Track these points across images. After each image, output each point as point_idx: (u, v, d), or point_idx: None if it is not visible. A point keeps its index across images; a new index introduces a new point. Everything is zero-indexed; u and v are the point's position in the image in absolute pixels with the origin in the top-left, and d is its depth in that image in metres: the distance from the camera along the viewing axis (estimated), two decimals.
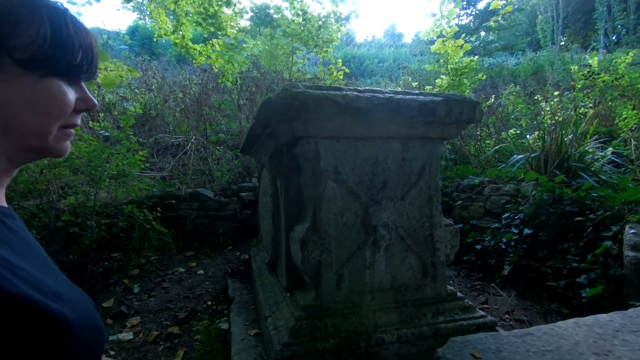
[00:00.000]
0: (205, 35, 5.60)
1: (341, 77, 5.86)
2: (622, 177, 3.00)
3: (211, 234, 3.65)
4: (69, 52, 0.49)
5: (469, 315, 1.55)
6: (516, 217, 2.74)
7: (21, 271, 0.41)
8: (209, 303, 2.53)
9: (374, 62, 16.34)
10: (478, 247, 2.91)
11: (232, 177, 4.32)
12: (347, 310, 1.46)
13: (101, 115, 4.83)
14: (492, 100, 5.98)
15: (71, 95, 0.51)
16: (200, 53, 5.42)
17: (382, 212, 1.51)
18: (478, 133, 5.09)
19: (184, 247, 3.48)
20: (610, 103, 4.84)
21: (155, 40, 5.75)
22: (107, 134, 4.01)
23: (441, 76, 5.61)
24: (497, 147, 4.29)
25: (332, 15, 5.52)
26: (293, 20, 5.49)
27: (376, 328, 1.42)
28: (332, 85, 1.48)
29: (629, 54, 5.62)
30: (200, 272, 3.04)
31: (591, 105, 4.93)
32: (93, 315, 0.50)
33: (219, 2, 5.07)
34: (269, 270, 2.10)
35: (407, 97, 1.45)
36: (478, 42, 15.93)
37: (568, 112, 4.39)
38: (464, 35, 6.07)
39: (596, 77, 5.17)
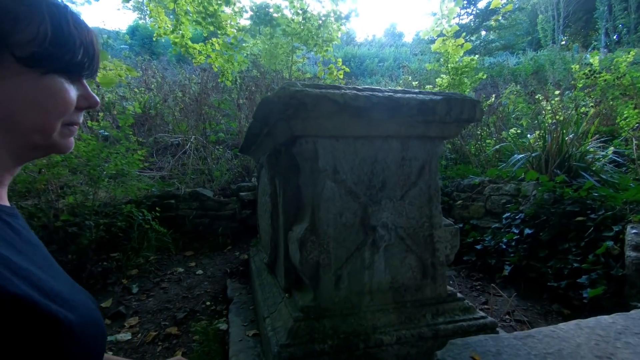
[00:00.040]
0: (205, 35, 5.58)
1: (341, 76, 5.84)
2: (624, 176, 2.98)
3: (210, 233, 3.64)
4: (70, 49, 0.49)
5: (469, 316, 1.53)
6: (517, 217, 2.73)
7: (23, 271, 0.41)
8: (208, 303, 2.52)
9: (375, 61, 16.31)
10: (478, 247, 2.90)
11: (231, 177, 4.31)
12: (346, 311, 1.44)
13: (100, 114, 4.82)
14: (493, 99, 5.97)
15: (73, 92, 0.51)
16: (199, 52, 5.41)
17: (381, 212, 1.49)
18: (478, 132, 5.07)
19: (183, 247, 3.47)
20: (611, 102, 4.82)
21: (154, 39, 5.73)
22: (106, 133, 4.00)
23: (441, 75, 5.59)
24: (497, 147, 4.28)
25: (332, 14, 5.50)
26: (293, 19, 5.48)
27: (375, 329, 1.41)
28: (331, 84, 1.46)
29: (631, 53, 5.59)
30: (199, 272, 3.03)
31: (592, 104, 4.91)
32: (95, 315, 0.50)
33: (219, 1, 5.06)
34: (267, 271, 2.08)
35: (407, 95, 1.43)
36: (478, 42, 15.90)
37: (569, 112, 4.37)
38: (464, 34, 6.05)
39: (597, 76, 5.15)
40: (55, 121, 0.49)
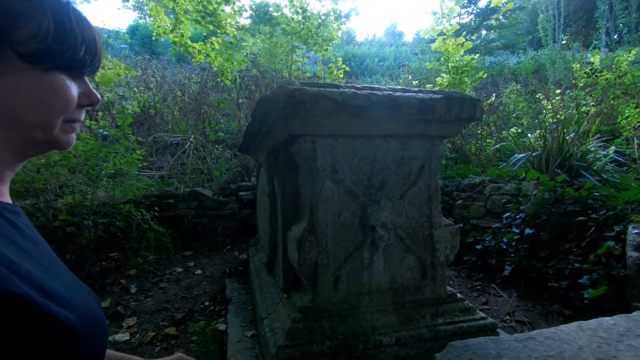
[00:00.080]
0: (205, 34, 5.57)
1: (341, 75, 5.82)
2: (625, 176, 2.97)
3: (209, 233, 3.62)
4: (72, 46, 0.48)
5: (469, 317, 1.52)
6: (517, 217, 2.71)
7: (23, 270, 0.40)
8: (207, 303, 2.51)
9: (375, 61, 16.30)
10: (479, 247, 2.88)
11: (231, 176, 4.29)
12: (345, 312, 1.43)
13: (99, 114, 4.80)
14: (493, 98, 5.94)
15: (74, 90, 0.51)
16: (199, 51, 5.39)
17: (380, 212, 1.48)
18: (479, 132, 5.05)
19: (182, 246, 3.46)
20: (612, 101, 4.80)
21: (154, 39, 5.71)
22: (105, 133, 3.99)
23: (442, 74, 5.57)
24: (498, 146, 4.26)
25: (331, 13, 5.48)
26: (292, 18, 5.46)
27: (374, 330, 1.39)
28: (330, 83, 1.45)
29: (632, 52, 5.57)
30: (198, 272, 3.02)
31: (593, 103, 4.90)
32: (96, 313, 0.50)
33: (218, 0, 5.04)
34: (266, 271, 2.07)
35: (406, 94, 1.42)
36: (479, 41, 15.88)
37: (570, 111, 4.35)
38: (464, 33, 6.04)
39: (599, 74, 5.12)
40: (57, 118, 0.49)
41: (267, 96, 1.41)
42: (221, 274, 2.98)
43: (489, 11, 14.50)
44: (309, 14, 5.36)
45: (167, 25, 5.30)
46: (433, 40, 5.74)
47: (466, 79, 5.32)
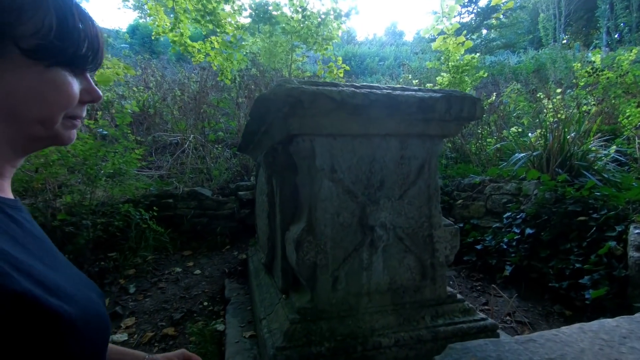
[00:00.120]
0: (204, 33, 5.55)
1: (341, 75, 5.80)
2: (626, 175, 2.95)
3: (209, 233, 3.61)
4: (74, 42, 0.48)
5: (469, 318, 1.50)
6: (518, 217, 2.70)
7: (24, 265, 0.41)
8: (205, 304, 2.49)
9: (375, 60, 16.28)
10: (479, 247, 2.87)
11: (230, 176, 4.28)
12: (344, 313, 1.42)
13: (99, 113, 4.79)
14: (494, 97, 5.93)
15: (76, 86, 0.50)
16: (198, 51, 5.38)
17: (379, 212, 1.46)
18: (479, 131, 5.03)
19: (181, 246, 3.45)
20: (613, 100, 4.78)
21: (153, 38, 5.70)
22: (105, 132, 3.98)
23: (442, 74, 5.55)
24: (498, 146, 4.24)
25: (331, 12, 5.46)
26: (292, 17, 5.44)
27: (373, 331, 1.38)
28: (329, 81, 1.44)
29: (633, 51, 5.54)
30: (197, 272, 3.01)
31: (594, 102, 4.88)
32: (98, 308, 0.50)
33: None
34: (265, 271, 2.06)
35: (406, 93, 1.40)
36: (480, 40, 15.85)
37: (571, 110, 4.34)
38: (465, 32, 6.01)
39: (600, 73, 5.10)
40: (58, 114, 0.49)
41: (265, 95, 1.40)
42: (220, 274, 2.97)
43: (489, 10, 14.47)
44: (308, 12, 5.35)
45: (166, 25, 5.29)
46: (433, 40, 5.73)
47: (466, 78, 5.30)
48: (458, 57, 5.18)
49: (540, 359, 0.82)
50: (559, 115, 4.08)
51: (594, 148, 3.28)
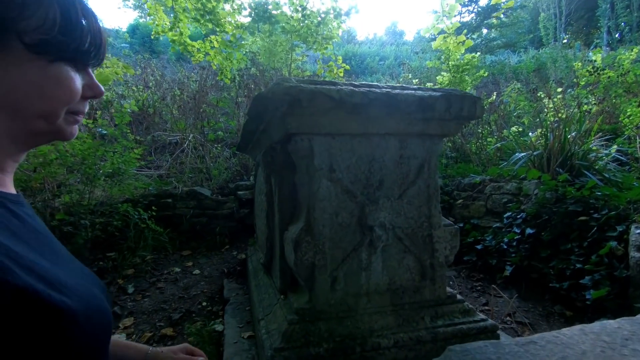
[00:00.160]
0: (204, 32, 5.54)
1: (341, 74, 5.78)
2: (627, 175, 2.94)
3: (208, 233, 3.60)
4: (77, 37, 0.48)
5: (468, 318, 1.49)
6: (518, 217, 2.68)
7: (25, 260, 0.41)
8: (204, 304, 2.48)
9: (375, 60, 16.26)
10: (479, 247, 2.86)
11: (229, 176, 4.27)
12: (342, 314, 1.40)
13: (98, 112, 4.78)
14: (494, 97, 5.91)
15: (78, 81, 0.51)
16: (198, 50, 5.36)
17: (378, 212, 1.45)
18: (479, 131, 5.02)
19: (180, 246, 3.43)
20: (614, 100, 4.76)
21: (153, 37, 5.69)
22: (104, 132, 3.97)
23: (442, 73, 5.54)
24: (498, 145, 4.23)
25: (331, 11, 5.44)
26: (292, 17, 5.43)
27: (372, 332, 1.37)
28: (327, 80, 1.42)
29: (634, 50, 5.53)
30: (196, 271, 2.99)
31: (595, 102, 4.86)
32: (100, 303, 0.50)
33: None
34: (264, 271, 2.05)
35: (405, 92, 1.39)
36: (480, 40, 15.83)
37: (571, 110, 4.32)
38: (465, 31, 5.99)
39: (601, 73, 5.08)
40: (60, 109, 0.49)
41: (263, 93, 1.38)
42: (219, 274, 2.96)
43: (489, 9, 14.44)
44: (308, 12, 5.33)
45: (165, 24, 5.27)
46: (434, 39, 5.70)
47: (467, 78, 5.28)
48: (458, 57, 5.16)
49: None
50: (559, 115, 4.06)
51: (594, 147, 3.26)
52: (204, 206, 3.70)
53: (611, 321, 1.01)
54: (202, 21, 5.11)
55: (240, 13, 5.43)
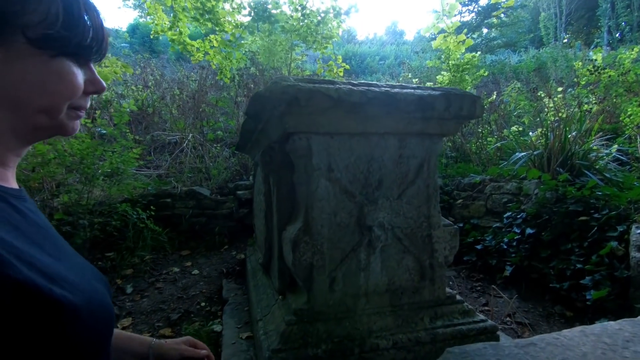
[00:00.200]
0: (203, 32, 5.52)
1: (341, 74, 5.77)
2: (628, 175, 2.93)
3: (207, 233, 3.59)
4: (80, 32, 0.48)
5: (468, 319, 1.48)
6: (518, 217, 2.67)
7: (26, 255, 0.41)
8: (203, 304, 2.47)
9: (375, 59, 16.24)
10: (479, 247, 2.84)
11: (229, 175, 4.26)
12: (341, 315, 1.39)
13: (97, 112, 4.77)
14: (494, 96, 5.90)
15: (80, 76, 0.50)
16: (197, 49, 5.35)
17: (377, 212, 1.44)
18: (479, 130, 5.00)
19: (179, 246, 3.42)
20: (615, 99, 4.75)
21: (152, 37, 5.68)
22: (104, 131, 3.96)
23: (442, 72, 5.52)
24: (498, 145, 4.21)
25: (331, 10, 5.43)
26: (292, 16, 5.42)
27: (371, 333, 1.36)
28: (326, 79, 1.41)
29: (634, 49, 5.51)
30: (195, 272, 2.98)
31: (595, 101, 4.84)
32: (102, 298, 0.50)
33: None
34: (263, 271, 2.04)
35: (404, 91, 1.38)
36: (480, 39, 15.82)
37: (572, 109, 4.31)
38: (465, 31, 5.98)
39: (601, 72, 5.07)
40: (62, 104, 0.49)
41: (261, 92, 1.37)
42: (218, 274, 2.95)
43: (490, 9, 14.43)
44: (308, 11, 5.32)
45: (165, 23, 5.26)
46: (434, 39, 5.69)
47: (467, 77, 5.27)
48: (458, 56, 5.15)
49: None
50: (560, 114, 4.05)
51: (595, 147, 3.25)
52: (203, 206, 3.69)
53: (612, 322, 1.00)
54: (201, 20, 5.10)
55: (239, 12, 5.42)
